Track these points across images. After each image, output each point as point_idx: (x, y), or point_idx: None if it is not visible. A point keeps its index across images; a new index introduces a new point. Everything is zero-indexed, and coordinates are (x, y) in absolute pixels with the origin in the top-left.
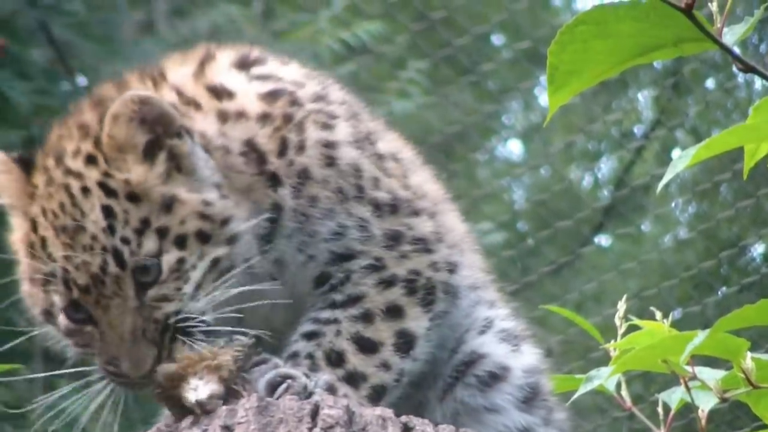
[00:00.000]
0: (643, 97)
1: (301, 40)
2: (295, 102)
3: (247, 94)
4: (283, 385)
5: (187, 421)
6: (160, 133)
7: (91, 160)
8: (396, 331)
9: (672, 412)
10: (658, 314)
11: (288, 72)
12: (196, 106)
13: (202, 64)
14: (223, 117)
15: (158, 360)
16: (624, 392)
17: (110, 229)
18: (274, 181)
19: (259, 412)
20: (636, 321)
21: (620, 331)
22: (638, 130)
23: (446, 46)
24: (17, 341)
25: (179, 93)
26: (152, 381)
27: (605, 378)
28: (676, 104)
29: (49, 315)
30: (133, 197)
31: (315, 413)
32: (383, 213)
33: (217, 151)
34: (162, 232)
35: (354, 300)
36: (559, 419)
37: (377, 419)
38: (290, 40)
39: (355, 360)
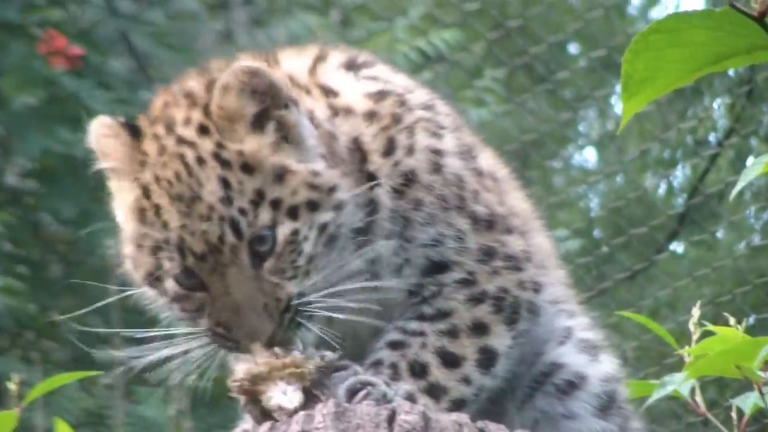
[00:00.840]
0: (717, 105)
1: (378, 48)
2: (403, 104)
3: (354, 91)
4: (363, 392)
5: (265, 427)
6: (268, 105)
7: (203, 129)
8: (480, 348)
9: (745, 417)
10: (732, 320)
11: (397, 77)
12: (307, 92)
13: (315, 62)
14: (332, 110)
15: (274, 337)
16: (698, 398)
17: (227, 200)
18: (371, 178)
19: (337, 417)
20: (710, 327)
21: (694, 337)
22: (712, 137)
23: (522, 55)
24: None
25: (291, 79)
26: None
27: (679, 383)
28: (750, 112)
29: (154, 279)
30: (247, 168)
31: (392, 419)
32: (480, 227)
33: (323, 134)
34: (275, 204)
35: (443, 315)
36: (635, 428)
37: (453, 424)
38: (367, 49)
39: (438, 373)
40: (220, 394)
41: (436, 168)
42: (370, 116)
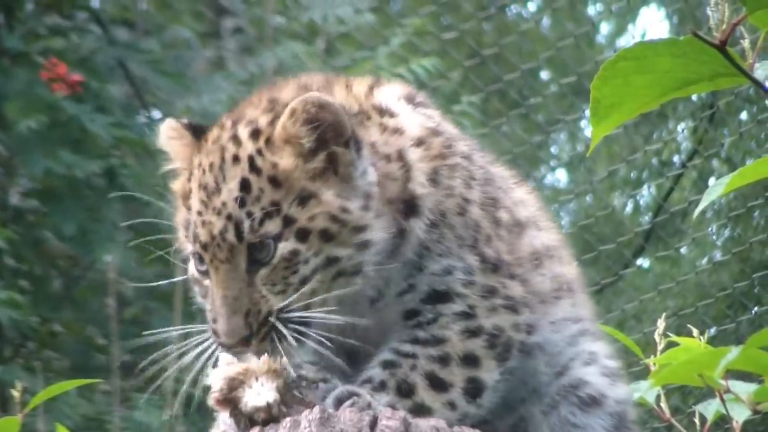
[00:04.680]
0: (681, 129)
1: (361, 75)
2: (451, 147)
3: (411, 118)
4: (350, 400)
5: None
6: (328, 138)
7: (255, 134)
8: (468, 378)
9: (708, 424)
10: (695, 332)
11: (447, 124)
12: (368, 117)
13: (371, 88)
14: (383, 129)
15: (247, 341)
16: (663, 404)
17: (240, 201)
18: (411, 209)
19: (322, 423)
20: (674, 338)
21: (659, 348)
22: (676, 159)
23: (497, 81)
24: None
25: (359, 104)
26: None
27: (645, 391)
28: (712, 135)
29: (185, 258)
30: (274, 181)
31: (374, 424)
32: (487, 268)
33: (380, 160)
34: (288, 221)
35: (437, 341)
36: None
37: (432, 429)
38: (351, 75)
39: (425, 394)
40: None
41: (462, 212)
42: (420, 142)
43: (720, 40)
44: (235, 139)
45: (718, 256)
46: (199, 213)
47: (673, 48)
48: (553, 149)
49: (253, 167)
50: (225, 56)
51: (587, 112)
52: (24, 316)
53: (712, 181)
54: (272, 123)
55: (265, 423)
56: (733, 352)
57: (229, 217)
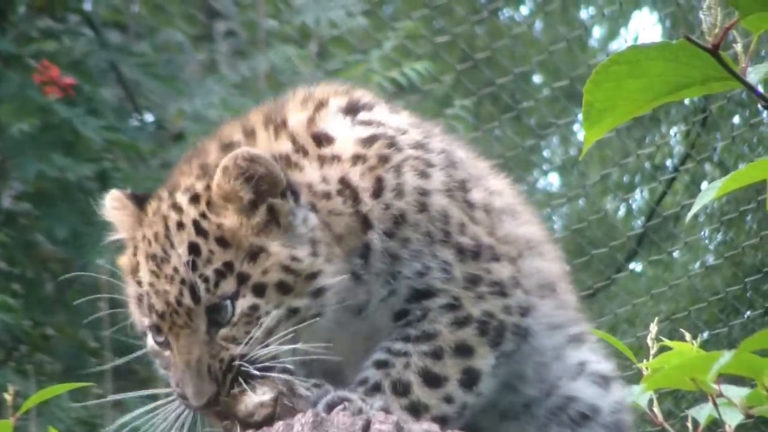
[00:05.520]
0: (674, 133)
1: (353, 78)
2: (393, 145)
3: (347, 139)
4: (341, 406)
5: None
6: (264, 190)
7: (195, 199)
8: (463, 368)
9: (701, 428)
10: (688, 336)
11: (393, 119)
12: (305, 153)
13: (317, 110)
14: (321, 161)
15: (217, 397)
16: (656, 408)
17: (192, 265)
18: (366, 223)
19: (315, 426)
20: (667, 342)
21: (652, 352)
22: (669, 163)
23: (489, 85)
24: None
25: (294, 141)
26: (214, 410)
27: (638, 395)
28: (704, 139)
29: (143, 334)
30: (222, 241)
31: (366, 428)
32: (465, 257)
33: (320, 199)
34: (242, 278)
35: (427, 337)
36: None
37: None
38: (343, 79)
39: (420, 392)
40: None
41: (423, 207)
42: (356, 159)
43: (712, 44)
44: (176, 207)
45: (710, 260)
46: (151, 284)
47: (666, 52)
48: (546, 153)
49: (199, 230)
50: (217, 59)
51: (580, 116)
52: (16, 320)
53: (704, 185)
54: (208, 187)
55: (260, 425)
56: (725, 356)
57: (183, 282)
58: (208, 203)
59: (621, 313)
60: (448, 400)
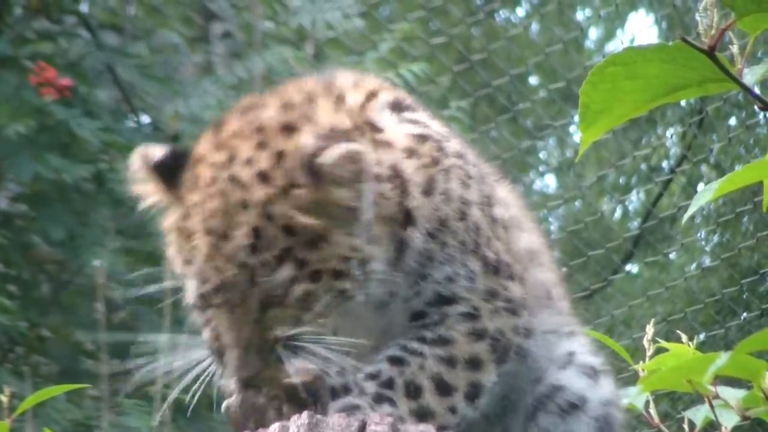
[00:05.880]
0: (670, 134)
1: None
2: (441, 150)
3: (398, 132)
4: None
5: None
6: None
7: (263, 178)
8: (470, 381)
9: (697, 429)
10: (684, 337)
11: (435, 124)
12: (362, 133)
13: (368, 99)
14: (375, 144)
15: (258, 376)
16: (652, 410)
17: (252, 249)
18: (408, 219)
19: (310, 428)
20: (663, 343)
21: (648, 353)
22: (665, 164)
23: (486, 86)
24: None
25: (352, 118)
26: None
27: (634, 397)
28: (700, 141)
29: (181, 278)
30: (288, 229)
31: (362, 429)
32: (488, 271)
33: (372, 180)
34: (301, 264)
35: (443, 342)
36: None
37: None
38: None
39: (430, 398)
40: (201, 406)
41: (463, 216)
42: (410, 152)
43: (709, 45)
44: (238, 182)
45: (707, 261)
46: (209, 257)
47: (662, 53)
48: (542, 154)
49: (266, 215)
50: (214, 61)
51: (576, 118)
52: (12, 321)
53: (700, 186)
54: (277, 164)
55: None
56: (722, 358)
57: (242, 265)
58: (278, 186)
59: (617, 314)
60: (453, 410)
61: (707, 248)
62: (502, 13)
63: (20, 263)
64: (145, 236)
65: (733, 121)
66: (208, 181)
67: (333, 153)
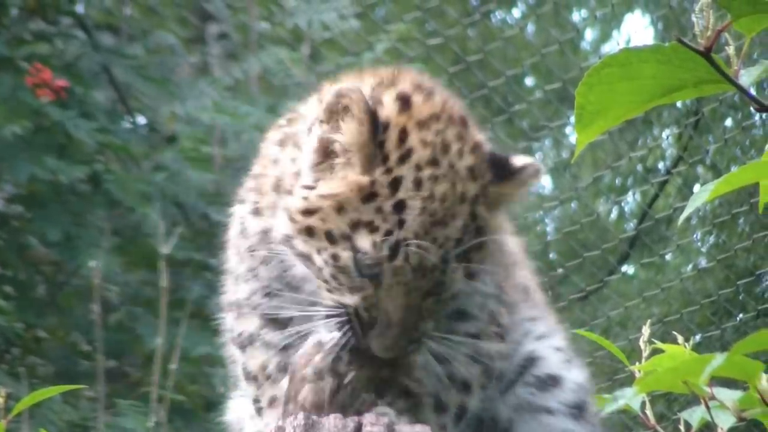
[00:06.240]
0: (666, 135)
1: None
2: None
3: None
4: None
5: None
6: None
7: (472, 173)
8: (460, 403)
9: (693, 430)
10: (680, 338)
11: None
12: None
13: None
14: None
15: (399, 358)
16: (648, 411)
17: (457, 242)
18: None
19: (306, 429)
20: (659, 345)
21: (644, 354)
22: (661, 166)
23: (482, 88)
24: None
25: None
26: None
27: (630, 398)
28: (696, 142)
29: (332, 240)
30: (479, 230)
31: (358, 429)
32: (495, 293)
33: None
34: (469, 261)
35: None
36: None
37: None
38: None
39: (429, 414)
40: (197, 406)
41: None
42: None
43: (705, 46)
44: (458, 174)
45: (702, 262)
46: (416, 235)
47: (658, 54)
48: (538, 156)
49: (473, 213)
50: (210, 62)
51: (572, 119)
52: (8, 322)
53: (696, 187)
54: (478, 161)
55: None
56: (718, 359)
57: (445, 255)
58: (481, 184)
59: (613, 315)
60: (443, 429)
61: (703, 249)
62: (498, 14)
63: (16, 264)
64: (140, 237)
65: (729, 122)
66: (427, 160)
67: (531, 166)
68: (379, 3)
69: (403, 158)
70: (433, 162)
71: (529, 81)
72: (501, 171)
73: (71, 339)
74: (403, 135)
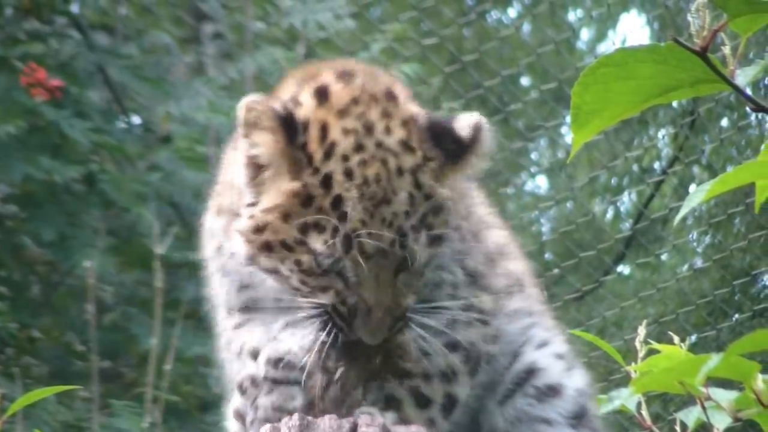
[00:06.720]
0: (662, 135)
1: None
2: None
3: None
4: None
5: None
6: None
7: (407, 147)
8: (445, 393)
9: (689, 431)
10: (676, 339)
11: None
12: None
13: None
14: None
15: (384, 338)
16: (644, 411)
17: (407, 215)
18: None
19: (301, 430)
20: (655, 345)
21: (640, 355)
22: (657, 166)
23: (477, 87)
24: None
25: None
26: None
27: (626, 398)
28: (692, 142)
29: (290, 249)
30: (428, 197)
31: (354, 431)
32: (466, 281)
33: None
34: (429, 228)
35: (422, 354)
36: None
37: None
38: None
39: (410, 411)
40: (192, 407)
41: (467, 216)
42: None
43: (701, 46)
44: (390, 151)
45: (698, 263)
46: (364, 223)
47: (654, 54)
48: (534, 155)
49: (416, 182)
50: (205, 62)
51: (568, 119)
52: (3, 322)
53: (692, 187)
54: (411, 135)
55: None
56: (713, 360)
57: (399, 230)
58: (421, 155)
59: (609, 316)
60: (431, 422)
61: (699, 249)
62: (494, 14)
63: (10, 264)
64: (135, 237)
65: (725, 122)
66: (352, 147)
67: (464, 122)
68: (374, 3)
69: (328, 154)
70: (358, 148)
71: (524, 81)
72: (445, 140)
73: (66, 339)
74: (324, 130)
